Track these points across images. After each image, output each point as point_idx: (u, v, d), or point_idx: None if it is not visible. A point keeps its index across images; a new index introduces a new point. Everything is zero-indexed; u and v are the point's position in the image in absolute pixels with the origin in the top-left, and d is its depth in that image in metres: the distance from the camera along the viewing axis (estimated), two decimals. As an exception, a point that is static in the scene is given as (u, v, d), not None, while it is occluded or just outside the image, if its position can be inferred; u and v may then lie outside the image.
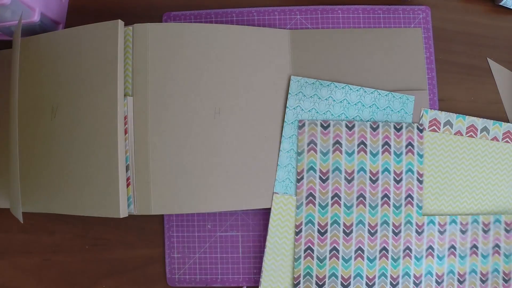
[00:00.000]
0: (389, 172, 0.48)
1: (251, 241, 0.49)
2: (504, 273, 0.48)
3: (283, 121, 0.48)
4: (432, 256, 0.47)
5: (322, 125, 0.48)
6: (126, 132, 0.44)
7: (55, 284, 0.50)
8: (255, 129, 0.47)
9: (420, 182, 0.48)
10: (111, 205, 0.42)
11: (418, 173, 0.48)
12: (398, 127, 0.48)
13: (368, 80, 0.50)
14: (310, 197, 0.47)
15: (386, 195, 0.48)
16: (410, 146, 0.48)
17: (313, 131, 0.48)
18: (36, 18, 0.47)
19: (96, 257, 0.50)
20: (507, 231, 0.48)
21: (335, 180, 0.47)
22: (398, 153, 0.48)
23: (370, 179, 0.48)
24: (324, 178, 0.47)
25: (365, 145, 0.48)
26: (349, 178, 0.48)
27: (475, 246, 0.48)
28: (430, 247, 0.48)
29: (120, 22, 0.44)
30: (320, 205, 0.47)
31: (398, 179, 0.48)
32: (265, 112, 0.47)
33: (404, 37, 0.50)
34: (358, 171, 0.48)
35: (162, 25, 0.46)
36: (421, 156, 0.48)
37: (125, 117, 0.44)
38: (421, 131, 0.48)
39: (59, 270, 0.51)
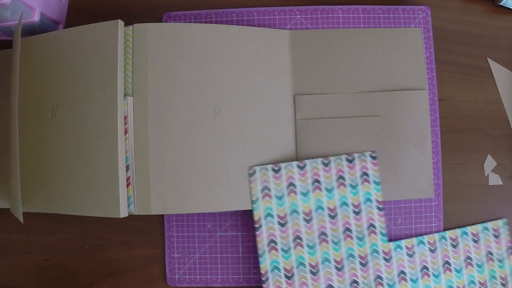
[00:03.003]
0: (347, 205, 0.47)
1: (251, 241, 0.49)
2: (501, 277, 0.48)
3: (282, 121, 0.48)
4: (406, 280, 0.47)
5: (273, 169, 0.47)
6: (126, 132, 0.44)
7: (55, 284, 0.50)
8: (255, 129, 0.47)
9: (380, 209, 0.47)
10: (111, 205, 0.42)
11: (377, 201, 0.47)
12: (350, 159, 0.47)
13: (368, 80, 0.50)
14: (272, 244, 0.46)
15: (347, 229, 0.47)
16: (365, 176, 0.47)
17: (265, 177, 0.47)
18: (36, 18, 0.47)
19: (96, 257, 0.50)
20: (496, 236, 0.49)
21: (294, 222, 0.47)
22: (353, 184, 0.47)
23: (329, 215, 0.47)
24: (282, 222, 0.47)
25: (319, 182, 0.47)
26: (307, 218, 0.47)
27: (469, 258, 0.48)
28: (402, 272, 0.47)
29: (120, 22, 0.44)
30: (283, 249, 0.46)
31: (357, 210, 0.47)
32: (265, 112, 0.47)
33: (404, 37, 0.50)
34: (316, 210, 0.47)
35: (162, 25, 0.46)
36: (377, 183, 0.47)
37: (125, 117, 0.44)
38: (374, 158, 0.48)
39: (59, 270, 0.51)
